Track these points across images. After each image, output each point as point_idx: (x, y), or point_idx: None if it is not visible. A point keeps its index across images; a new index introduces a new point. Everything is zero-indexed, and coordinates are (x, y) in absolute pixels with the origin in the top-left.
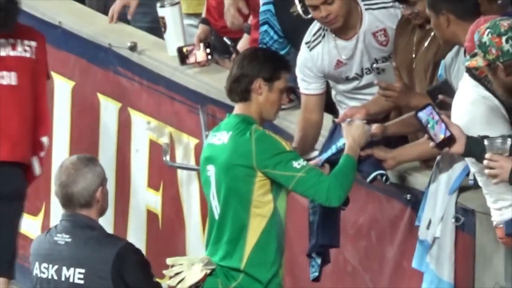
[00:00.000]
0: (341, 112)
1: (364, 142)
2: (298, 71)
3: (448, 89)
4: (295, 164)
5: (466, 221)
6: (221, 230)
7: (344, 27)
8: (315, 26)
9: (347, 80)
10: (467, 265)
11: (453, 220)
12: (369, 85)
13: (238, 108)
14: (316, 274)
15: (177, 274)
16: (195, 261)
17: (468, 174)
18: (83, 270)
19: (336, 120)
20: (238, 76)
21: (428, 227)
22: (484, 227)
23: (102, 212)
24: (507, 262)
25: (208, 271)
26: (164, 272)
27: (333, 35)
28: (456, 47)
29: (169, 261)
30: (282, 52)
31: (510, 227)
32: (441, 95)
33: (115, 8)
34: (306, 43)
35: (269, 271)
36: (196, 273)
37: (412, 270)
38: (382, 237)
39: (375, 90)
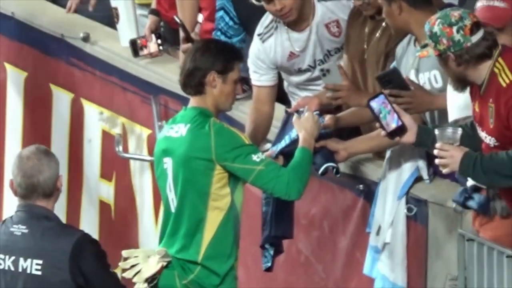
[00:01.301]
0: (293, 103)
1: (317, 133)
2: (250, 63)
3: (397, 78)
4: (255, 157)
5: (419, 211)
6: (178, 223)
7: (297, 19)
8: (267, 18)
9: (300, 71)
10: (419, 256)
11: (403, 224)
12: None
13: (193, 101)
14: (269, 264)
15: (133, 266)
16: (151, 253)
17: (415, 180)
18: (40, 261)
19: (289, 110)
20: (191, 69)
21: (378, 233)
22: (436, 217)
23: (54, 200)
24: (460, 252)
25: (165, 264)
26: (120, 264)
27: (286, 27)
28: (407, 38)
29: (124, 253)
30: (237, 39)
31: (457, 196)
32: (390, 84)
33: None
34: (259, 35)
35: (226, 263)
36: (152, 266)
37: (363, 260)
38: (334, 228)
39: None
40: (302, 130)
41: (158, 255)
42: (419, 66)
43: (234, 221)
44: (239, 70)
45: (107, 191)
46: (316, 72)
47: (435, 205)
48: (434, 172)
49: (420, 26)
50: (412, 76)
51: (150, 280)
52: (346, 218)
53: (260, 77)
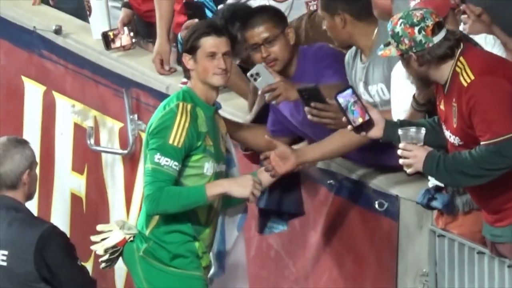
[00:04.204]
0: None
1: (237, 194)
2: None
3: (316, 95)
4: (157, 157)
5: (390, 206)
6: (142, 198)
7: None
8: None
9: None
10: (390, 251)
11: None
12: None
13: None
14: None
15: (103, 239)
16: (120, 224)
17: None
18: (6, 252)
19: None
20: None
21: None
22: (407, 213)
23: (29, 195)
24: (430, 248)
25: (127, 236)
26: (92, 237)
27: None
28: (353, 51)
29: (99, 227)
30: None
31: (420, 197)
32: (310, 99)
33: None
34: None
35: (176, 238)
36: (116, 237)
37: (334, 255)
38: (305, 223)
39: None
40: (236, 179)
41: (125, 228)
42: (367, 79)
43: None
44: (213, 44)
45: (78, 184)
46: None
47: (406, 200)
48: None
49: (364, 38)
50: (361, 89)
51: (110, 250)
52: (317, 213)
53: None
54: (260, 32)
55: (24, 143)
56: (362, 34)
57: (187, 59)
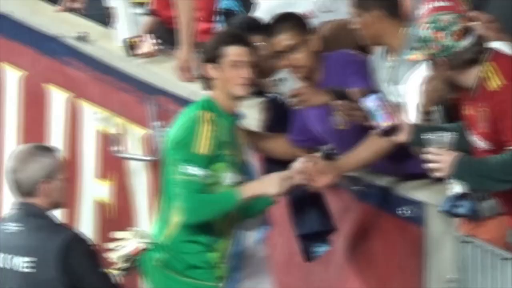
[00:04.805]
0: None
1: (272, 191)
2: None
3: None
4: (185, 167)
5: (416, 212)
6: (160, 208)
7: None
8: None
9: None
10: (416, 257)
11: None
12: None
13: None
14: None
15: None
16: (138, 234)
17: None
18: (30, 259)
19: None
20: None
21: None
22: (433, 218)
23: (54, 204)
24: (456, 254)
25: (143, 246)
26: (107, 245)
27: None
28: (379, 51)
29: (116, 235)
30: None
31: (443, 205)
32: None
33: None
34: None
35: (191, 249)
36: (131, 246)
37: (360, 262)
38: None
39: None
40: (268, 177)
41: (140, 237)
42: (395, 78)
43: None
44: (238, 52)
45: (103, 191)
46: None
47: (432, 206)
48: None
49: (393, 36)
50: (388, 88)
51: (124, 259)
52: (342, 219)
53: None
54: (284, 39)
55: (46, 151)
56: (393, 32)
57: (209, 67)
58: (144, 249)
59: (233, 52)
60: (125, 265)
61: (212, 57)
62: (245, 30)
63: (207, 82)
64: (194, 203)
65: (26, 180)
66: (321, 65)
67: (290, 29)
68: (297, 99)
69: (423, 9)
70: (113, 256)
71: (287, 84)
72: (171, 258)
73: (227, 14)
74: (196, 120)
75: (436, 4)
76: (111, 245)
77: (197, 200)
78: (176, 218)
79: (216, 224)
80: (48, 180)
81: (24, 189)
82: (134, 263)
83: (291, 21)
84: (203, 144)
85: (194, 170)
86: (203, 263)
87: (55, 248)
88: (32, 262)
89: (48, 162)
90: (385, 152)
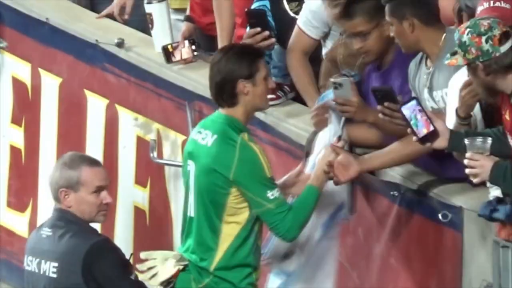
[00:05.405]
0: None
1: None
2: (306, 14)
3: (389, 95)
4: (269, 194)
5: (454, 217)
6: (194, 228)
7: None
8: None
9: None
10: (454, 262)
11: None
12: None
13: (225, 109)
14: None
15: (150, 268)
16: (168, 256)
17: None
18: (56, 264)
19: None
20: (219, 83)
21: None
22: (471, 223)
23: (81, 214)
24: (494, 259)
25: (181, 267)
26: (137, 266)
27: None
28: (419, 56)
29: (142, 255)
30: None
31: (483, 209)
32: (384, 100)
33: (110, 11)
34: None
35: (241, 272)
36: (169, 269)
37: (398, 267)
38: (369, 234)
39: None
40: (321, 162)
41: (174, 259)
42: (431, 85)
43: (255, 233)
44: (264, 66)
45: (141, 197)
46: None
47: (470, 211)
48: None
49: (431, 43)
50: (426, 95)
51: (166, 283)
52: (380, 224)
53: (312, 27)
54: (355, 25)
55: (76, 162)
56: (430, 40)
57: (244, 84)
58: (180, 271)
59: (263, 65)
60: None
61: (248, 73)
62: None
63: (232, 98)
64: (289, 222)
65: (51, 186)
66: (391, 53)
67: (361, 15)
68: (345, 108)
69: (481, 8)
70: (152, 283)
71: (343, 91)
72: (219, 282)
73: (258, 15)
74: (247, 144)
75: (493, 4)
76: (141, 266)
77: (291, 217)
78: (224, 245)
79: (259, 241)
80: (68, 190)
81: (52, 194)
82: (174, 285)
83: (363, 5)
84: (266, 167)
85: (276, 192)
86: (249, 285)
87: (80, 253)
88: (57, 267)
89: (70, 173)
90: (419, 156)
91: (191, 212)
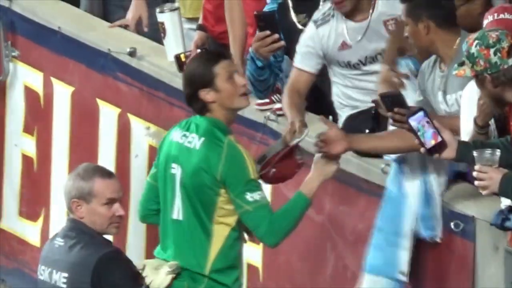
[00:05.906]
0: (339, 112)
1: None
2: (299, 45)
3: (399, 101)
4: (248, 196)
5: (466, 227)
6: (183, 231)
7: (353, 9)
8: (325, 5)
9: (348, 66)
10: (467, 272)
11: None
12: (371, 73)
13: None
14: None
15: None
16: (158, 264)
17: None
18: (66, 274)
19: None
20: (186, 96)
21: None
22: (483, 233)
23: (93, 225)
24: (507, 269)
25: (174, 275)
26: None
27: (343, 16)
28: (433, 59)
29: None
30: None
31: (494, 218)
32: (393, 106)
33: (124, 23)
34: (315, 21)
35: (232, 274)
36: (162, 278)
37: (410, 276)
38: None
39: (375, 78)
40: (316, 170)
41: (168, 267)
42: (446, 88)
43: (241, 234)
44: (225, 67)
45: None
46: (365, 68)
47: (482, 221)
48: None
49: (445, 46)
50: (440, 98)
51: None
52: None
53: (303, 60)
54: None
55: (89, 174)
56: (444, 43)
57: (204, 93)
58: (175, 278)
59: (222, 67)
60: None
61: (205, 82)
62: None
63: (202, 108)
64: (270, 226)
65: (65, 196)
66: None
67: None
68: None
69: (486, 22)
70: None
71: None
72: (214, 286)
73: (267, 18)
74: (232, 146)
75: (497, 16)
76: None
77: (272, 221)
78: (216, 247)
79: (242, 243)
80: (80, 201)
81: (66, 204)
82: None
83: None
84: (251, 168)
85: (257, 195)
86: (238, 286)
87: (91, 265)
88: (67, 277)
89: (82, 184)
90: (410, 151)
91: (179, 216)
